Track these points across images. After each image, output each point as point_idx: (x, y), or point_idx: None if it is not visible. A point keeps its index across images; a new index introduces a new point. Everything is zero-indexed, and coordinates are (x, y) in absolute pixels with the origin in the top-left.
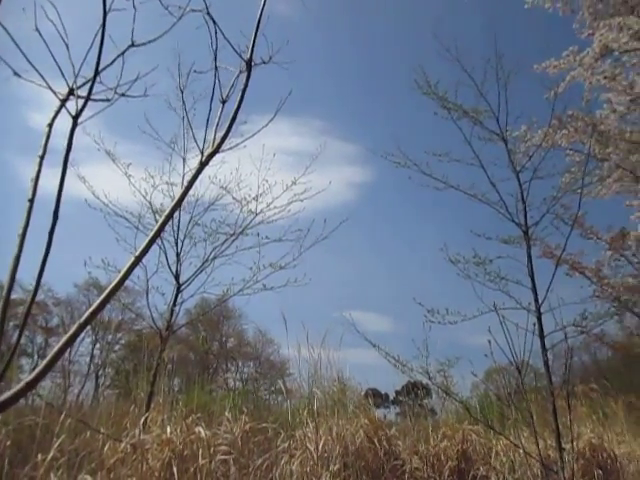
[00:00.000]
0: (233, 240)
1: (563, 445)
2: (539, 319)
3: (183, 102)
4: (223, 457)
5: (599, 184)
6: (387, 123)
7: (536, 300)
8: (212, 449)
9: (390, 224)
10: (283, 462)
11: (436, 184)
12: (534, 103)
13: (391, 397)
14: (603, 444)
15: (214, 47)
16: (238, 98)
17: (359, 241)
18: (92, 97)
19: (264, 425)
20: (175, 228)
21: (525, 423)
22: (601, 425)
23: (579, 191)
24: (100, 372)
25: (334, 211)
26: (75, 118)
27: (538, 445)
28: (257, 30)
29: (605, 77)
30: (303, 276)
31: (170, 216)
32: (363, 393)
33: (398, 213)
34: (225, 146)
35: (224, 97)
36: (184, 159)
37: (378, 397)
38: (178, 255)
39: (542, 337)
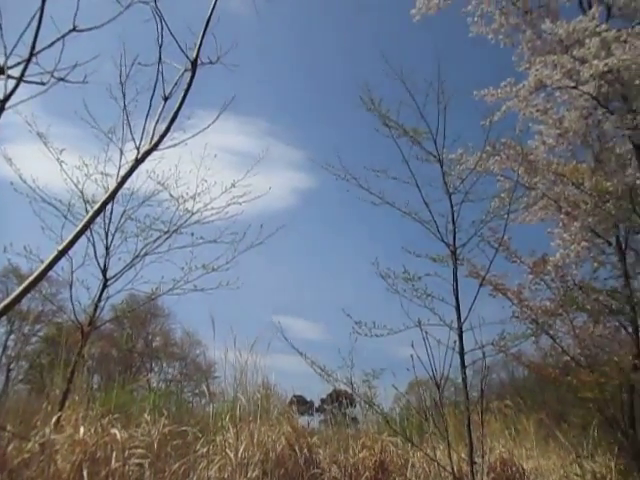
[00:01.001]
0: (166, 238)
1: (475, 459)
2: (460, 337)
3: (123, 94)
4: (138, 460)
5: (525, 211)
6: (330, 134)
7: (459, 318)
8: (127, 452)
9: (330, 233)
10: (201, 467)
11: (373, 199)
12: (471, 128)
13: (316, 405)
14: (513, 459)
15: (160, 42)
16: (180, 97)
17: (299, 247)
18: (25, 78)
19: (184, 428)
20: (106, 220)
21: (442, 436)
22: (512, 440)
23: (506, 216)
24: (12, 365)
25: (275, 215)
26: (3, 102)
27: (451, 458)
28: (205, 30)
29: (538, 110)
30: (236, 279)
31: (100, 211)
32: (288, 400)
33: (339, 223)
34: (164, 144)
35: (166, 94)
36: (121, 151)
37: (303, 404)
38: (107, 249)
39: (462, 354)
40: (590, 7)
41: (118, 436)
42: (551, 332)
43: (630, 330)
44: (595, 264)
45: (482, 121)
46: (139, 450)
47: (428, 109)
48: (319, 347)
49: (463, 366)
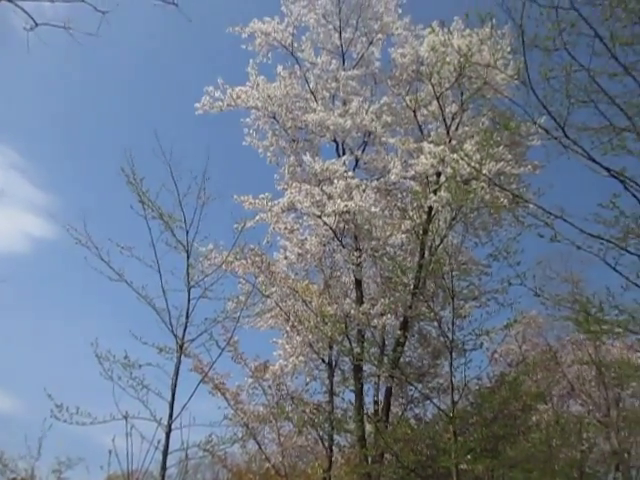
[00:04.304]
0: None
1: None
2: (168, 435)
3: None
4: None
5: (258, 317)
6: (85, 191)
7: (170, 415)
8: None
9: (57, 294)
10: None
11: (111, 274)
12: (225, 228)
13: None
14: None
15: None
16: None
17: (18, 303)
18: None
19: None
20: None
21: None
22: None
23: (239, 318)
24: None
25: None
26: None
27: None
28: None
29: (286, 228)
30: None
31: None
32: None
33: (69, 286)
34: None
35: None
36: None
37: None
38: None
39: (165, 454)
40: (344, 154)
41: None
42: (259, 438)
43: (326, 444)
44: (308, 378)
45: (236, 224)
46: None
47: (188, 200)
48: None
49: (164, 467)
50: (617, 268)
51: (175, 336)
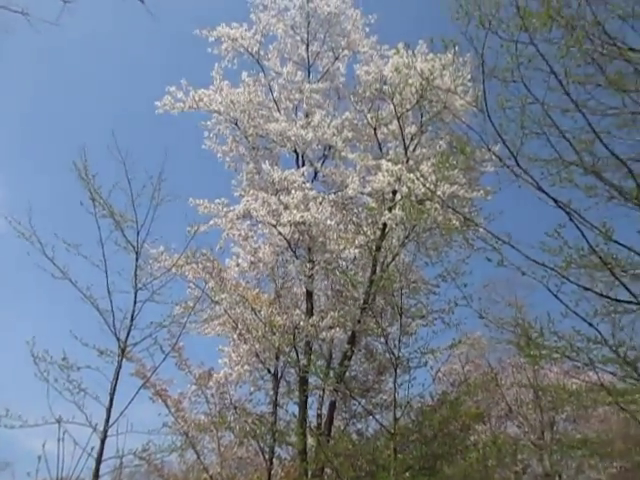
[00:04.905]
0: None
1: None
2: (103, 441)
3: None
4: None
5: (206, 323)
6: (33, 187)
7: (107, 420)
8: None
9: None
10: None
11: (54, 271)
12: (178, 230)
13: None
14: None
15: None
16: None
17: None
18: None
19: None
20: None
21: None
22: None
23: (186, 323)
24: None
25: None
26: None
27: None
28: None
29: (240, 235)
30: None
31: None
32: None
33: (7, 281)
34: None
35: None
36: None
37: None
38: None
39: (99, 460)
40: (303, 165)
41: None
42: (198, 448)
43: (267, 456)
44: (252, 388)
45: (189, 227)
46: None
47: (141, 200)
48: None
49: (96, 475)
50: (558, 296)
51: (118, 339)
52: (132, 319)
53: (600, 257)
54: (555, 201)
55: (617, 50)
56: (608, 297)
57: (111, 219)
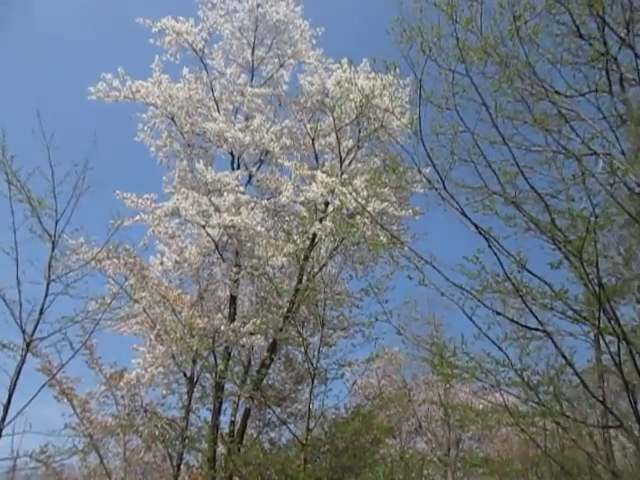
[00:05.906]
0: None
1: None
2: None
3: None
4: None
5: (123, 321)
6: None
7: (3, 419)
8: None
9: None
10: None
11: None
12: (101, 223)
13: None
14: None
15: None
16: None
17: None
18: None
19: None
20: None
21: None
22: None
23: (100, 320)
24: None
25: None
26: None
27: None
28: None
29: (167, 233)
30: None
31: None
32: None
33: None
34: None
35: None
36: None
37: None
38: None
39: None
40: (238, 168)
41: None
42: (102, 451)
43: (175, 463)
44: (165, 391)
45: (112, 220)
46: None
47: (63, 187)
48: None
49: None
50: (473, 318)
51: (23, 332)
52: (41, 312)
53: (513, 284)
54: (476, 227)
55: (544, 91)
56: (518, 323)
57: (28, 204)
